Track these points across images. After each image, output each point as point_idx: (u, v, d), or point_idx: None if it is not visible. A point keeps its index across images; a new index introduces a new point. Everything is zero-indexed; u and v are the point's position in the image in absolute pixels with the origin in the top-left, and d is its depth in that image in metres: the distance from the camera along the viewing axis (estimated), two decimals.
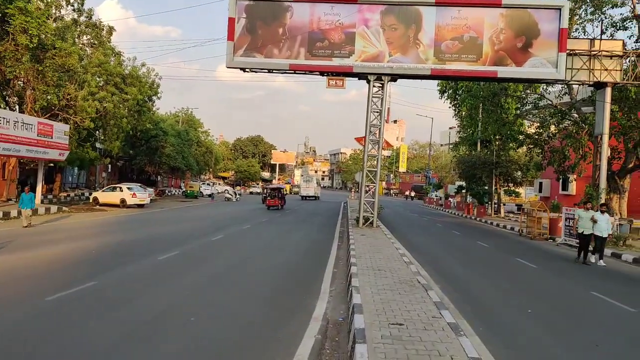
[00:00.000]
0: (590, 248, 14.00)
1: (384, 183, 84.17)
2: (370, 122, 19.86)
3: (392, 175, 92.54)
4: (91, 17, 31.96)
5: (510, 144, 32.65)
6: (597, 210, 14.57)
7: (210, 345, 5.85)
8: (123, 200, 27.97)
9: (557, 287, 10.75)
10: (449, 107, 38.64)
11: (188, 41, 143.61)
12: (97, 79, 30.08)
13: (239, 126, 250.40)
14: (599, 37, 20.08)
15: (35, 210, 21.66)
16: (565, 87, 23.52)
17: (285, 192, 38.73)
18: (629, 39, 23.48)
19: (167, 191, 49.84)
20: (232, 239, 16.05)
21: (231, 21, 19.11)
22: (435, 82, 36.54)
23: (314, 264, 11.81)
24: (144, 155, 42.46)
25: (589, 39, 20.04)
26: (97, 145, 35.57)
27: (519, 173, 34.84)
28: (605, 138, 19.53)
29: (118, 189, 28.98)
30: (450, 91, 36.14)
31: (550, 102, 26.14)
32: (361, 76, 19.60)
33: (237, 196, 46.84)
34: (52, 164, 30.25)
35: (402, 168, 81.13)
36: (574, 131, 23.13)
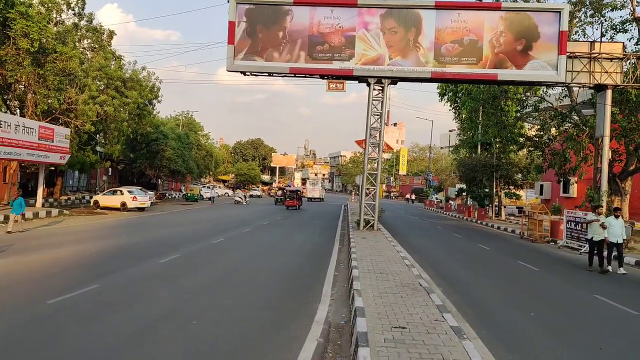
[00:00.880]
0: (605, 254, 12.98)
1: (384, 186, 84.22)
2: (370, 125, 19.86)
3: (392, 178, 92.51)
4: (92, 21, 32.13)
5: (511, 147, 32.57)
6: (608, 215, 13.81)
7: (211, 348, 5.83)
8: (123, 204, 27.98)
9: (560, 289, 10.71)
10: (449, 110, 38.67)
11: (188, 45, 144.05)
12: (98, 82, 30.14)
13: (239, 129, 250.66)
14: (599, 40, 20.08)
15: (37, 213, 21.77)
16: (566, 89, 23.49)
17: (301, 195, 45.47)
18: (629, 41, 23.45)
19: (167, 194, 49.80)
20: (233, 241, 16.01)
21: (231, 25, 19.13)
22: (435, 85, 36.63)
23: (315, 267, 11.80)
24: (145, 159, 42.44)
25: (589, 41, 20.06)
26: (98, 148, 35.57)
27: (520, 176, 34.84)
28: (606, 140, 19.50)
29: (119, 192, 28.98)
30: (450, 94, 36.17)
31: (550, 105, 26.13)
32: (361, 79, 19.62)
33: (247, 199, 47.78)
34: (53, 168, 30.28)
35: (403, 171, 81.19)
36: (575, 134, 23.09)
